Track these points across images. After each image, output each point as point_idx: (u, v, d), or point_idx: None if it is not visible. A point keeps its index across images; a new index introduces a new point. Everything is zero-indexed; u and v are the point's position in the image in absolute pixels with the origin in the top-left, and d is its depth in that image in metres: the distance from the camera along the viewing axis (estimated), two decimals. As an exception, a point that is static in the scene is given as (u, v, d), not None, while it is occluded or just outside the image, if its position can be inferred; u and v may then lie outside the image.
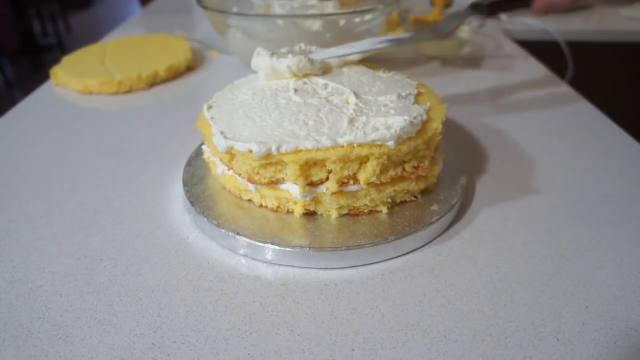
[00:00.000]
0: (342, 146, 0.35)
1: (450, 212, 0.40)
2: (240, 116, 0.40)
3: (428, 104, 0.41)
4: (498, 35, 0.95)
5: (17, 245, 0.39)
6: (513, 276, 0.35)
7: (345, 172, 0.37)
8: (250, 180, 0.38)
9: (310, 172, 0.37)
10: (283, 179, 0.37)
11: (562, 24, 1.07)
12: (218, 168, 0.42)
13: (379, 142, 0.35)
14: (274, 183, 0.38)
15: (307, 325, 0.31)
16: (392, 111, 0.39)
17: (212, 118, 0.40)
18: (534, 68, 0.77)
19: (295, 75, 0.44)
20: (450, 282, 0.35)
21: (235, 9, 0.73)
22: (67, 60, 0.75)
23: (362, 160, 0.36)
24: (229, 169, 0.40)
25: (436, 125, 0.39)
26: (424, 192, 0.42)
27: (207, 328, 0.31)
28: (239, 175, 0.39)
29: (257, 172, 0.38)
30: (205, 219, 0.39)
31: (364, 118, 0.37)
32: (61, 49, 3.38)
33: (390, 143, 0.36)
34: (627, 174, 0.47)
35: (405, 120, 0.36)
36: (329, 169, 0.36)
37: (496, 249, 0.38)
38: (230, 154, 0.38)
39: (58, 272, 0.36)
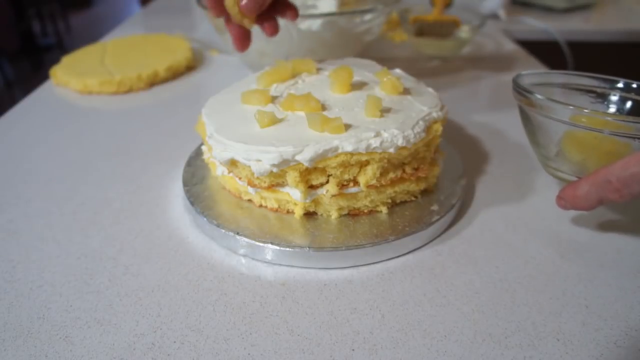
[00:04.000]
0: (343, 153, 0.35)
1: (450, 212, 0.40)
2: (236, 123, 0.39)
3: (431, 111, 0.40)
4: (498, 35, 0.95)
5: (17, 245, 0.39)
6: (513, 276, 0.35)
7: (346, 176, 0.37)
8: (250, 184, 0.38)
9: (311, 177, 0.37)
10: (283, 182, 0.37)
11: (562, 24, 1.07)
12: (218, 169, 0.42)
13: (379, 151, 0.35)
14: (274, 186, 0.38)
15: (307, 325, 0.31)
16: (392, 120, 0.38)
17: (208, 127, 0.40)
18: (534, 68, 0.77)
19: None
20: (450, 282, 0.35)
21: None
22: (67, 60, 0.75)
23: (362, 164, 0.36)
24: (229, 172, 0.40)
25: (436, 128, 0.39)
26: (424, 192, 0.42)
27: (207, 328, 0.31)
28: (239, 178, 0.39)
29: (258, 177, 0.38)
30: (205, 219, 0.38)
31: (363, 128, 0.37)
32: (61, 49, 3.37)
33: (391, 150, 0.36)
34: (627, 174, 0.47)
35: (406, 134, 0.36)
36: (329, 173, 0.36)
37: (496, 249, 0.38)
38: (231, 163, 0.38)
39: (58, 272, 0.36)
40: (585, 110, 0.35)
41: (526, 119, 0.41)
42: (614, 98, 0.43)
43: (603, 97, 0.43)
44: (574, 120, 0.36)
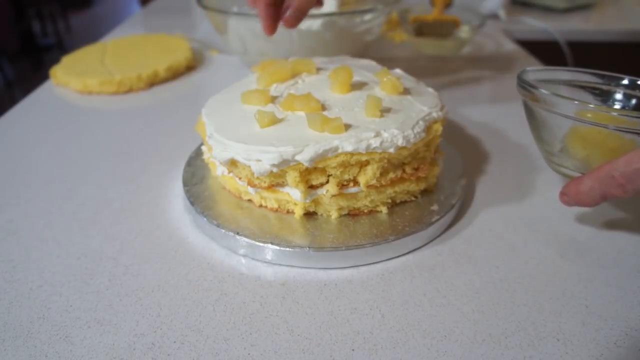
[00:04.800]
0: (343, 153, 0.35)
1: (450, 212, 0.40)
2: (236, 123, 0.39)
3: (431, 111, 0.40)
4: (498, 35, 0.95)
5: (17, 245, 0.39)
6: (513, 276, 0.35)
7: (346, 176, 0.37)
8: (250, 184, 0.38)
9: (311, 177, 0.37)
10: (283, 182, 0.37)
11: (562, 24, 1.07)
12: (218, 169, 0.42)
13: (379, 151, 0.35)
14: (274, 186, 0.38)
15: (307, 325, 0.31)
16: (392, 120, 0.38)
17: (208, 127, 0.40)
18: (534, 68, 0.77)
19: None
20: (450, 282, 0.35)
21: (235, 9, 0.73)
22: (67, 60, 0.75)
23: (362, 164, 0.36)
24: (229, 172, 0.40)
25: (436, 128, 0.39)
26: (424, 192, 0.42)
27: (207, 328, 0.31)
28: (239, 178, 0.39)
29: (258, 177, 0.38)
30: (205, 219, 0.38)
31: (363, 128, 0.37)
32: (61, 49, 3.37)
33: (391, 150, 0.36)
34: (627, 174, 0.47)
35: (406, 134, 0.36)
36: (329, 173, 0.36)
37: (496, 249, 0.38)
38: (231, 163, 0.38)
39: (58, 272, 0.36)
40: (590, 105, 0.35)
41: (530, 114, 0.41)
42: (619, 95, 0.43)
43: (607, 95, 0.43)
44: (579, 115, 0.36)
